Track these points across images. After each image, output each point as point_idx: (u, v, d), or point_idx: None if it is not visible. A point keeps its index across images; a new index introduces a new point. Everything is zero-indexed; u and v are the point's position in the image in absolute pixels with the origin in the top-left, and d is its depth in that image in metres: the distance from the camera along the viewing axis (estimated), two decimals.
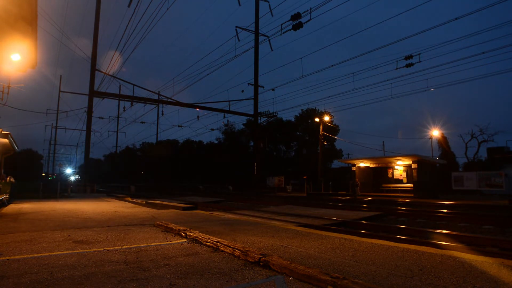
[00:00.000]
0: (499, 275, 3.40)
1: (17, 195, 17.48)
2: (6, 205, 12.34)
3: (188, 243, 5.24)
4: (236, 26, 27.07)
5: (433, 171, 27.37)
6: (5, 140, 12.03)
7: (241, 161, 51.14)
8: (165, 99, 28.91)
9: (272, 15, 27.78)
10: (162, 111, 38.02)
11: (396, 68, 20.96)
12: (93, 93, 24.42)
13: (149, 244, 5.09)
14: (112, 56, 24.76)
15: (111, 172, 79.68)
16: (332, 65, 23.79)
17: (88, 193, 23.91)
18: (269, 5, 27.55)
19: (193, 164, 62.98)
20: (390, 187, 26.70)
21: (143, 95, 30.68)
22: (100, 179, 65.16)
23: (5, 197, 12.94)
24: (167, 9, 17.72)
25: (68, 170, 40.55)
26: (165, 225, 6.76)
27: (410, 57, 20.12)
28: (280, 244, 5.12)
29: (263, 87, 31.22)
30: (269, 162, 50.10)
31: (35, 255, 4.30)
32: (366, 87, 25.57)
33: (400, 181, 26.26)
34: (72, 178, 34.67)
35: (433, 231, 8.64)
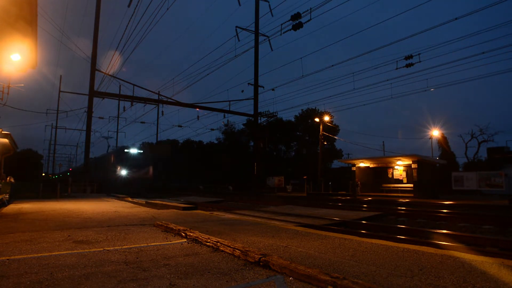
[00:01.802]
0: (499, 275, 3.40)
1: (17, 195, 17.48)
2: (6, 205, 12.33)
3: (188, 243, 5.24)
4: (236, 26, 27.07)
5: (433, 171, 27.39)
6: (5, 140, 12.02)
7: (241, 161, 51.15)
8: (165, 99, 28.91)
9: (272, 15, 27.74)
10: (162, 111, 37.93)
11: (396, 68, 20.98)
12: (93, 93, 24.41)
13: (149, 244, 5.09)
14: (112, 56, 24.76)
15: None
16: (332, 65, 23.80)
17: (88, 193, 23.91)
18: (269, 5, 27.54)
19: (193, 164, 62.99)
20: (390, 187, 26.71)
21: (143, 95, 30.66)
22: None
23: (5, 197, 12.94)
24: (167, 9, 17.73)
25: (133, 150, 30.87)
26: (165, 225, 6.76)
27: (410, 57, 20.13)
28: (280, 244, 5.12)
29: (263, 87, 31.21)
30: (269, 162, 50.12)
31: (35, 255, 4.30)
32: (366, 87, 25.58)
33: (400, 181, 26.27)
34: (124, 172, 27.79)
35: (433, 231, 8.64)
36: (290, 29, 20.84)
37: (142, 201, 16.93)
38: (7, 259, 4.02)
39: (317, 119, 39.00)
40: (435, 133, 39.94)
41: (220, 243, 4.78)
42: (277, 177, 41.54)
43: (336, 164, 50.75)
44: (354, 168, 29.14)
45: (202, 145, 69.64)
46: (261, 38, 28.27)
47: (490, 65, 20.61)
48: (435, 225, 11.17)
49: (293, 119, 56.63)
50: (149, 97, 28.43)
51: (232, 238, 5.51)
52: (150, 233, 6.22)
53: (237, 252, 4.27)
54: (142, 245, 5.05)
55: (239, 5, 26.16)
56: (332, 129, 46.71)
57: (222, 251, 4.57)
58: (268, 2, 27.63)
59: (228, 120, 58.89)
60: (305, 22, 20.00)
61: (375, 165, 28.23)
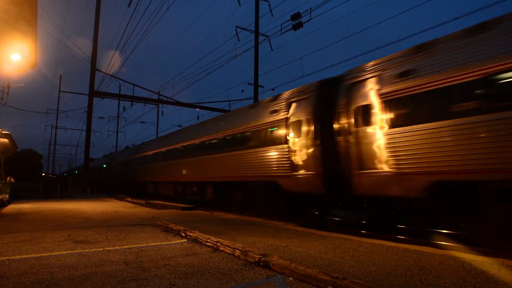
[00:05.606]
0: (499, 275, 3.40)
1: (17, 195, 17.48)
2: (6, 205, 12.33)
3: (188, 243, 5.24)
4: (236, 26, 27.01)
5: None
6: (5, 140, 12.01)
7: None
8: (165, 99, 28.91)
9: (272, 15, 27.63)
10: (162, 111, 37.85)
11: None
12: (93, 93, 24.39)
13: (149, 244, 5.10)
14: (112, 56, 24.74)
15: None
16: (332, 65, 23.73)
17: (88, 193, 23.91)
18: (269, 5, 27.51)
19: None
20: None
21: (143, 95, 30.64)
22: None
23: (5, 197, 12.94)
24: (167, 9, 17.69)
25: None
26: (165, 225, 6.76)
27: None
28: (280, 244, 5.12)
29: (263, 87, 31.15)
30: None
31: (35, 255, 4.30)
32: None
33: None
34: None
35: (433, 231, 8.63)
36: (290, 29, 20.83)
37: (142, 201, 16.92)
38: (7, 259, 4.02)
39: None
40: None
41: (220, 243, 4.78)
42: None
43: None
44: None
45: None
46: (261, 38, 28.25)
47: None
48: (435, 225, 11.13)
49: None
50: (149, 97, 28.41)
51: (232, 238, 5.51)
52: (150, 233, 6.22)
53: (237, 252, 4.27)
54: (142, 245, 5.05)
55: (239, 5, 26.16)
56: None
57: (222, 251, 4.57)
58: (268, 2, 27.59)
59: None
60: (305, 22, 19.99)
61: None
